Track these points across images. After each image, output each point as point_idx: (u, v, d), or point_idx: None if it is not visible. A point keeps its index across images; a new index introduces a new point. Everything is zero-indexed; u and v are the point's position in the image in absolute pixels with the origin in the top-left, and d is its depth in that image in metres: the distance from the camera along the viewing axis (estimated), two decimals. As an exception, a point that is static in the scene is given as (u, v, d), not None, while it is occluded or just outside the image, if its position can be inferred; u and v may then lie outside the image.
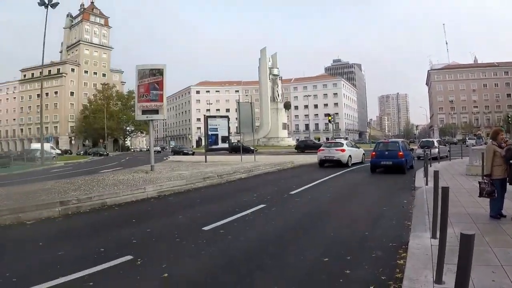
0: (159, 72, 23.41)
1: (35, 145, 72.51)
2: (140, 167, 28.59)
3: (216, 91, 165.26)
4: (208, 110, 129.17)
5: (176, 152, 67.50)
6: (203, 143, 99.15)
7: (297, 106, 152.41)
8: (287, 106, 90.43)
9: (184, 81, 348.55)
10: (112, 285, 5.72)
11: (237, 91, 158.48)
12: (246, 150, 39.46)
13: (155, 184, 16.34)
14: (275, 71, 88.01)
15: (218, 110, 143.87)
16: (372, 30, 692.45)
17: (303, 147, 57.39)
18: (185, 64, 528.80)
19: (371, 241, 7.59)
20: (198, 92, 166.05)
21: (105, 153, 79.51)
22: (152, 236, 8.74)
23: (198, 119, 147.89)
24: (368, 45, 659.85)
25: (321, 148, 29.21)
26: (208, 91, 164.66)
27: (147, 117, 23.97)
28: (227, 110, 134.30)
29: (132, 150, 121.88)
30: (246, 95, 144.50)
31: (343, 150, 26.59)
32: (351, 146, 29.15)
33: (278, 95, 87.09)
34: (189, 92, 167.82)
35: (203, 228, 9.07)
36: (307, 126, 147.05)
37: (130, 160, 49.49)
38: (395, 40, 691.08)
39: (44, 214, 11.48)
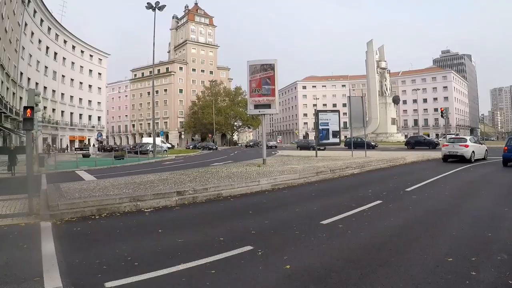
0: (270, 67, 23.53)
1: (147, 139, 77.60)
2: (251, 160, 28.97)
3: (323, 86, 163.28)
4: (314, 105, 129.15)
5: (303, 147, 63.91)
6: (309, 138, 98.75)
7: (406, 101, 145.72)
8: (395, 100, 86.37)
9: (290, 77, 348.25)
10: (234, 273, 5.64)
11: (343, 85, 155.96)
12: (365, 146, 38.15)
13: (268, 177, 16.32)
14: (383, 64, 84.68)
15: (325, 105, 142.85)
16: (481, 17, 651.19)
17: (413, 143, 54.90)
18: (290, 59, 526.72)
19: (494, 243, 7.02)
20: (304, 87, 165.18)
21: (214, 147, 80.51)
22: (271, 228, 8.59)
23: (305, 114, 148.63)
24: (478, 33, 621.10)
25: (445, 143, 29.39)
26: (314, 86, 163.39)
27: (259, 111, 24.15)
28: (334, 105, 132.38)
29: (239, 144, 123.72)
30: (353, 90, 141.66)
31: (466, 146, 26.49)
32: (474, 142, 28.43)
33: (387, 89, 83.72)
34: (295, 88, 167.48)
35: (321, 222, 8.81)
36: (415, 121, 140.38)
37: (238, 154, 50.13)
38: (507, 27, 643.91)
39: (162, 203, 11.84)
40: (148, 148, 50.59)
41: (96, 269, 5.87)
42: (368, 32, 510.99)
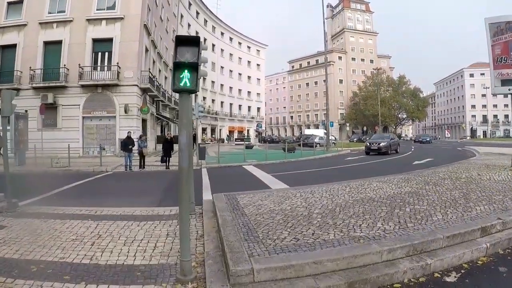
0: (519, 24, 16.17)
1: (311, 131, 76.19)
2: (472, 160, 21.82)
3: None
4: (483, 95, 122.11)
5: None
6: (478, 134, 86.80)
7: None
8: None
9: (452, 64, 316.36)
10: None
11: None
12: None
13: None
14: None
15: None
16: None
17: None
18: (452, 44, 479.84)
19: None
20: (471, 75, 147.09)
21: (385, 141, 73.36)
22: None
23: (473, 106, 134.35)
24: None
25: None
26: (483, 74, 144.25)
27: (509, 89, 16.26)
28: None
29: (402, 138, 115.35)
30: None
31: None
32: None
33: None
34: (461, 76, 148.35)
35: None
36: None
37: (420, 150, 42.30)
38: None
39: (467, 256, 5.74)
40: (315, 140, 45.84)
41: None
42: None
